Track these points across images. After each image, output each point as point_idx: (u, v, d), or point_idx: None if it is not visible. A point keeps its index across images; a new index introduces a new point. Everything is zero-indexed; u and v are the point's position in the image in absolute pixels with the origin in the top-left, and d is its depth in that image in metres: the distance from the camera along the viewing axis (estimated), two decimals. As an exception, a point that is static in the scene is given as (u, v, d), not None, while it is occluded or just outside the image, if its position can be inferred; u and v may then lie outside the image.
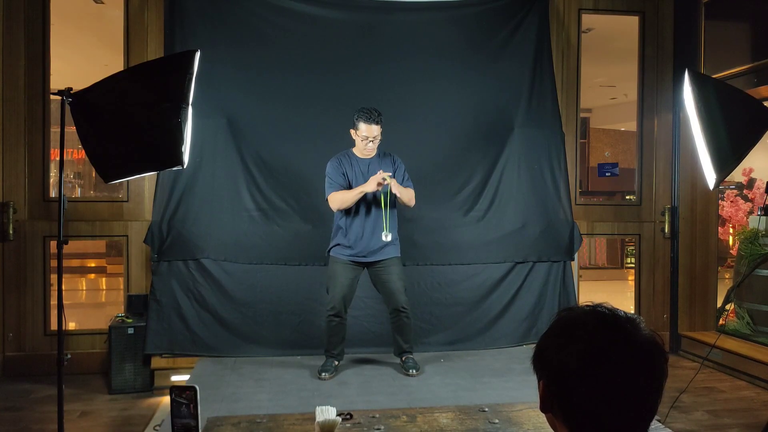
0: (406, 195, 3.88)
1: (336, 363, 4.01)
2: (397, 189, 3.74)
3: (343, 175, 3.91)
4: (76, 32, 6.18)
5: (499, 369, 4.15)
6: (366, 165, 3.93)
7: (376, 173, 3.81)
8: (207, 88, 4.18)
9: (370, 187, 3.75)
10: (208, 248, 4.44)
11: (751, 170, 8.21)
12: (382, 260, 3.93)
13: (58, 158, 3.37)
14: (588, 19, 5.54)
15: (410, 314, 4.02)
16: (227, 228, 4.50)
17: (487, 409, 2.66)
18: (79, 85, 3.01)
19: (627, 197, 7.70)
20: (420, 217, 4.54)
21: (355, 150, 3.97)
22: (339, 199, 3.85)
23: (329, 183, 3.91)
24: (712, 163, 3.22)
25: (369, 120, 3.82)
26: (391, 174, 3.79)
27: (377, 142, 3.89)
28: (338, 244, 3.95)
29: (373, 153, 3.94)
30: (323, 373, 3.91)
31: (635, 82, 5.55)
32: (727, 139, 3.20)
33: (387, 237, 3.82)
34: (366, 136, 3.84)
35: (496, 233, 4.77)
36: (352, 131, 3.92)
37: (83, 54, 6.63)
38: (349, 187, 3.88)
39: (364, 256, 3.91)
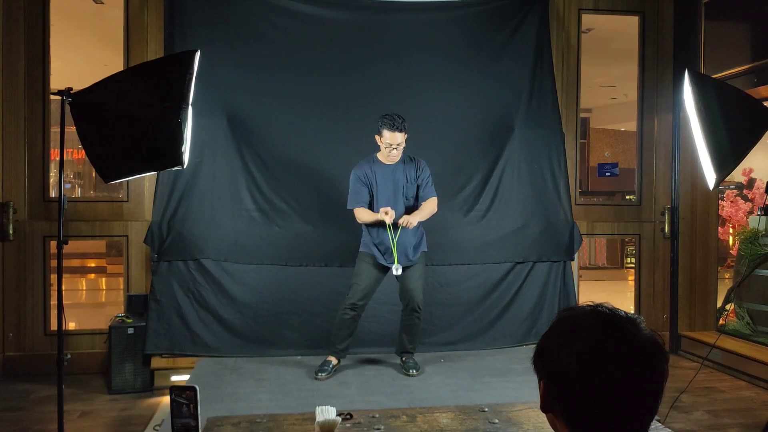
0: (428, 215, 3.95)
1: (335, 362, 4.00)
2: (417, 219, 3.83)
3: (367, 186, 3.92)
4: (76, 32, 6.18)
5: (499, 369, 4.15)
6: (390, 170, 3.94)
7: (400, 179, 3.92)
8: (207, 88, 4.18)
9: (383, 219, 3.80)
10: (208, 248, 4.44)
11: (751, 170, 8.21)
12: (410, 264, 3.97)
13: (58, 158, 3.37)
14: (588, 19, 5.54)
15: (422, 317, 4.03)
16: (227, 228, 4.50)
17: (487, 409, 2.66)
18: (79, 85, 3.01)
19: (627, 197, 7.70)
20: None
21: (379, 155, 3.98)
22: (360, 218, 3.92)
23: (352, 195, 3.94)
24: (712, 163, 3.21)
25: (392, 127, 3.81)
26: (394, 218, 3.81)
27: (401, 149, 3.91)
28: (368, 244, 3.97)
29: (397, 159, 3.95)
30: (319, 373, 3.90)
31: (635, 82, 5.55)
32: (727, 139, 3.20)
33: (398, 270, 3.86)
34: (390, 144, 3.85)
35: (496, 233, 4.77)
36: (377, 137, 3.92)
37: (83, 54, 6.63)
38: (371, 195, 3.93)
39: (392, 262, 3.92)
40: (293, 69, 4.68)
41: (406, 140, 3.89)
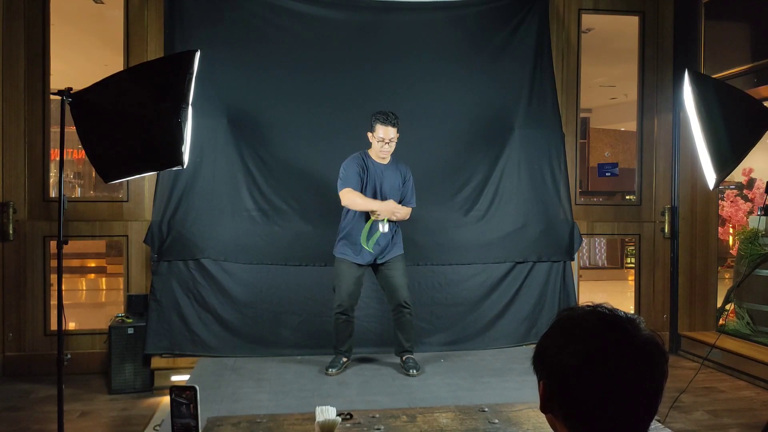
0: (404, 217, 3.99)
1: (344, 360, 4.04)
2: (402, 214, 3.90)
3: (360, 174, 3.90)
4: (76, 32, 6.18)
5: (499, 369, 4.15)
6: (380, 170, 3.94)
7: (388, 179, 3.91)
8: (207, 88, 4.19)
9: (383, 213, 3.83)
10: (208, 248, 4.44)
11: (751, 170, 8.21)
12: (387, 260, 3.97)
13: (58, 158, 3.37)
14: (588, 19, 5.54)
15: (413, 311, 4.04)
16: (227, 228, 4.50)
17: (487, 409, 2.66)
18: (79, 85, 3.01)
19: (627, 197, 7.70)
20: (420, 217, 4.54)
21: (370, 152, 3.98)
22: (352, 200, 3.86)
23: (345, 177, 3.89)
24: (712, 163, 3.21)
25: (386, 121, 3.83)
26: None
27: (393, 145, 3.92)
28: (344, 247, 3.97)
29: (388, 156, 3.95)
30: (330, 369, 3.95)
31: (635, 82, 5.55)
32: (727, 139, 3.20)
33: (384, 228, 3.86)
34: (382, 138, 3.86)
35: (496, 233, 4.77)
36: (369, 134, 3.93)
37: (83, 54, 6.63)
38: (361, 186, 3.89)
39: (368, 259, 3.95)
40: (293, 69, 4.68)
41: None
